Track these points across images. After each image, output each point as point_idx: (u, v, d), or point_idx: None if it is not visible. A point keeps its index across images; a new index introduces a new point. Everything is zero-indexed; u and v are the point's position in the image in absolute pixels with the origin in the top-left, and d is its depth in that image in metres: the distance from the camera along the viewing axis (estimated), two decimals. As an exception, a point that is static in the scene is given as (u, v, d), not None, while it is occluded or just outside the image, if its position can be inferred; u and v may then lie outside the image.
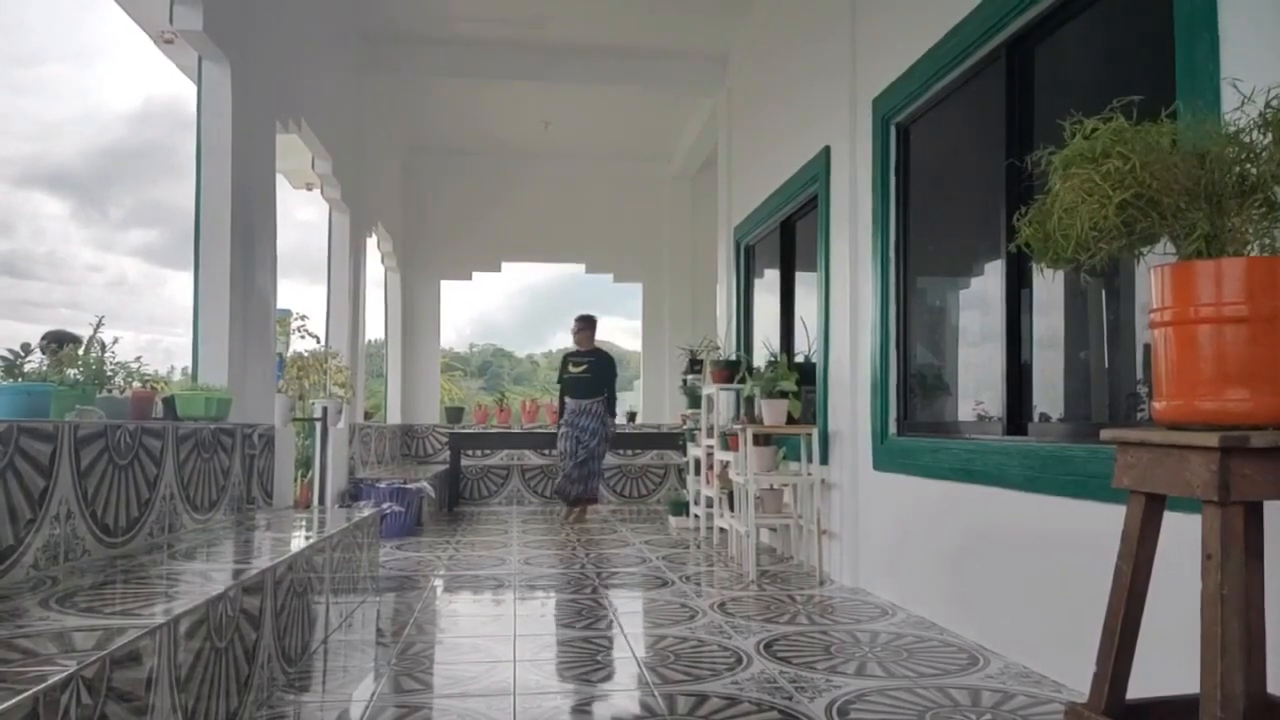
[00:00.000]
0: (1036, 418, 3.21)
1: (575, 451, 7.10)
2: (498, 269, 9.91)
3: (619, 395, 7.77)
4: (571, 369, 7.34)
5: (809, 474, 4.80)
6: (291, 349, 5.70)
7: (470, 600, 4.16)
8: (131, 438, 2.85)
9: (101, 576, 2.35)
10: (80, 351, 2.84)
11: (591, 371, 7.30)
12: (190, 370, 3.90)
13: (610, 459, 8.72)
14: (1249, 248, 1.61)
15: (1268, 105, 1.58)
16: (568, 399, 7.32)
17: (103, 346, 2.98)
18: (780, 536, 5.51)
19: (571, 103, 8.14)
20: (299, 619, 2.89)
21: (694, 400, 6.82)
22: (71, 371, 2.80)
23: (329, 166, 5.90)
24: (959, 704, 2.55)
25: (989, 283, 3.55)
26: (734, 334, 6.90)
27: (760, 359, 6.20)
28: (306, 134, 5.30)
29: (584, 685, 2.74)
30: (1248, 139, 1.59)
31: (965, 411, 3.75)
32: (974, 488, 3.31)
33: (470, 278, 9.85)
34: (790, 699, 2.58)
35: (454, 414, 9.23)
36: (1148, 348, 2.13)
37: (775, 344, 6.06)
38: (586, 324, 7.44)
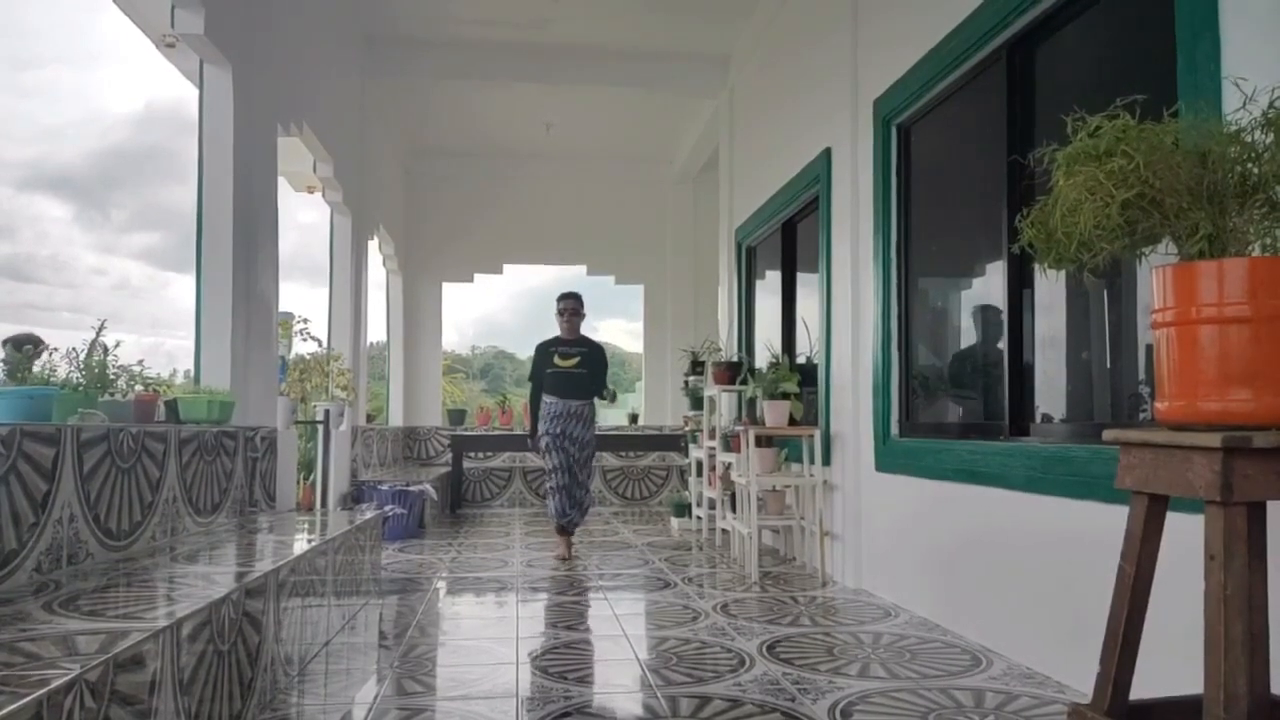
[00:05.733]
0: (1039, 418, 3.21)
1: (568, 466, 5.58)
2: (499, 271, 9.92)
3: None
4: (559, 361, 5.64)
5: (811, 475, 4.80)
6: (294, 351, 5.70)
7: (473, 602, 4.16)
8: (134, 441, 2.85)
9: (104, 580, 2.35)
10: (46, 354, 2.82)
11: (585, 365, 5.67)
12: (192, 373, 3.90)
13: (612, 460, 8.70)
14: (1251, 248, 1.60)
15: (1270, 105, 1.58)
16: (551, 398, 5.62)
17: (105, 350, 2.98)
18: (782, 538, 5.50)
19: (573, 104, 8.14)
20: (302, 622, 2.89)
21: (696, 402, 6.82)
22: (75, 373, 2.80)
23: (331, 169, 5.90)
24: (962, 705, 2.55)
25: (991, 283, 3.55)
26: (735, 335, 6.90)
27: (762, 360, 6.20)
28: (308, 137, 5.31)
29: (587, 687, 2.74)
30: (1249, 139, 1.58)
31: (967, 412, 3.75)
32: (976, 489, 3.31)
33: (472, 280, 9.86)
34: (793, 701, 2.58)
35: (456, 416, 9.23)
36: (1150, 348, 2.12)
37: (777, 345, 6.06)
38: (579, 306, 5.78)
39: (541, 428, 5.61)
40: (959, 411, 3.86)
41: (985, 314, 3.64)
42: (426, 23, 6.62)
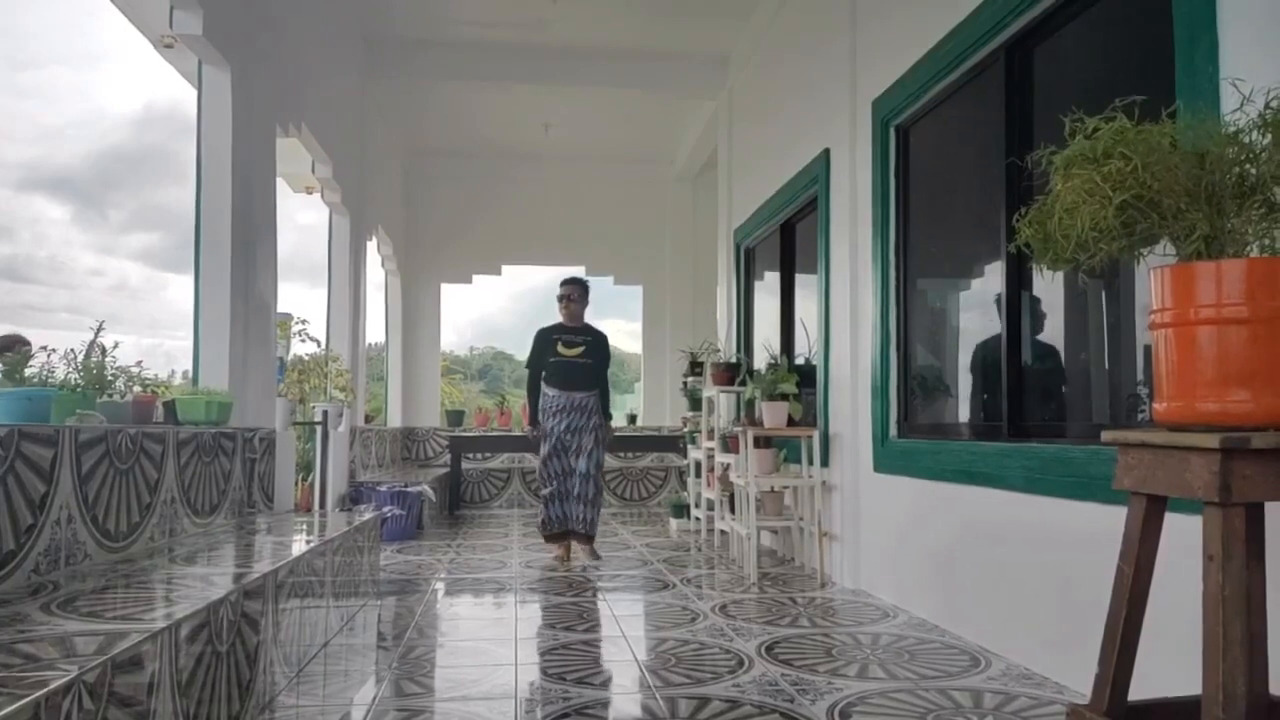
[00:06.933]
0: (1037, 419, 3.20)
1: (569, 465, 5.31)
2: (498, 272, 9.91)
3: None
4: (562, 350, 5.29)
5: (810, 476, 4.80)
6: (292, 352, 5.70)
7: (471, 603, 4.16)
8: (132, 442, 2.85)
9: (103, 581, 2.35)
10: (45, 355, 2.81)
11: (590, 354, 5.34)
12: (191, 374, 3.90)
13: (611, 460, 8.66)
14: (1249, 249, 1.61)
15: (1267, 106, 1.58)
16: (552, 390, 5.30)
17: (103, 351, 2.98)
18: (781, 539, 5.50)
19: (572, 105, 8.14)
20: (300, 623, 2.88)
21: (695, 403, 6.82)
22: (73, 374, 2.80)
23: (329, 170, 5.90)
24: (961, 706, 2.55)
25: (989, 284, 3.55)
26: (734, 336, 6.90)
27: (761, 361, 6.20)
28: (307, 138, 5.31)
29: (586, 688, 2.74)
30: (1247, 139, 1.59)
31: (965, 413, 3.75)
32: (975, 489, 3.31)
33: (470, 281, 9.86)
34: (792, 701, 2.58)
35: (454, 417, 9.23)
36: (1148, 349, 2.13)
37: (775, 346, 6.06)
38: (582, 291, 5.47)
39: (543, 424, 5.30)
40: (957, 412, 3.86)
41: (983, 314, 3.64)
42: (426, 23, 6.62)
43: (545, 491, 5.35)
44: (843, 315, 4.64)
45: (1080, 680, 2.57)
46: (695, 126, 8.44)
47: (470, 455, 8.60)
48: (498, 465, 8.67)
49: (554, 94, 7.76)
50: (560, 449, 5.31)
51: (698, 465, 6.62)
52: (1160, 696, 1.77)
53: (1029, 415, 3.22)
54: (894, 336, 4.21)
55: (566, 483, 5.31)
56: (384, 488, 6.10)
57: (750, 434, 4.87)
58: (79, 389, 2.80)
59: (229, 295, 3.91)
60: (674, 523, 6.91)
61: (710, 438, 5.96)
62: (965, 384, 3.81)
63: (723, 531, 5.71)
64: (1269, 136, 1.56)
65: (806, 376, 5.05)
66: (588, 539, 5.30)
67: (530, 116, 8.37)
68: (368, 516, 4.22)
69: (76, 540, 2.51)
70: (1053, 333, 3.21)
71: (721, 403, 6.19)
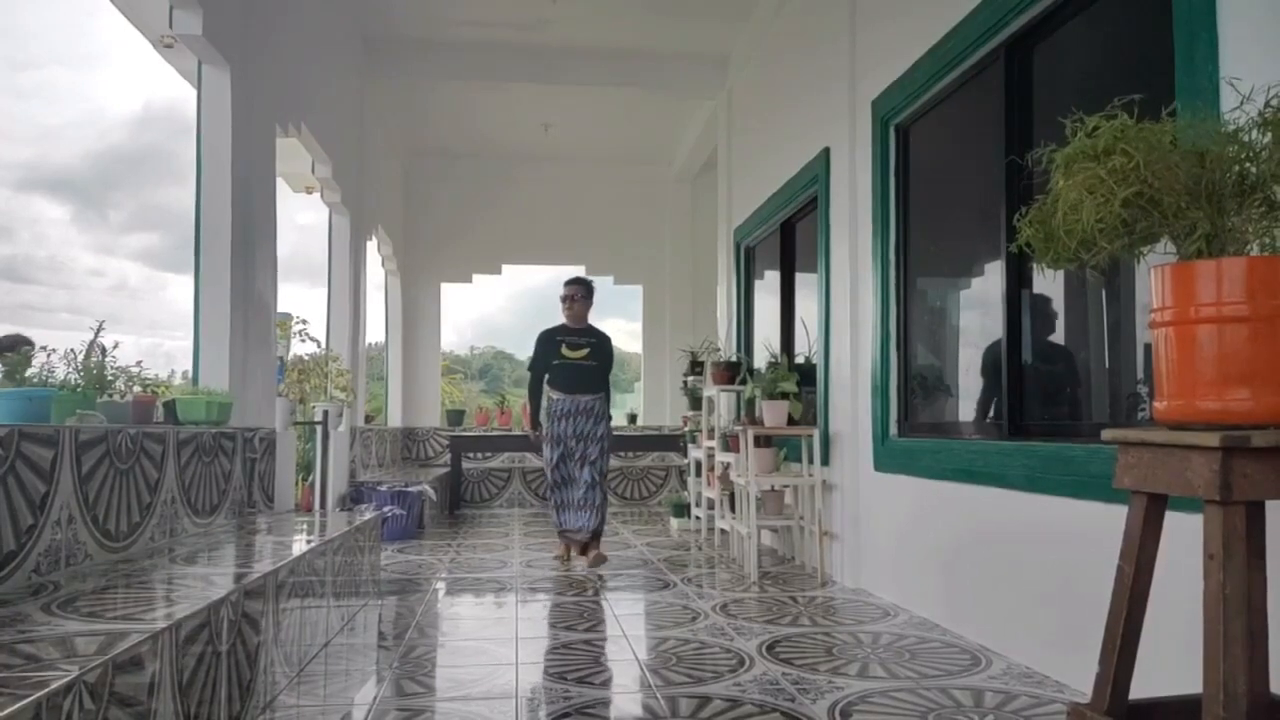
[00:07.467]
0: (1037, 418, 3.20)
1: (574, 474, 5.19)
2: (498, 271, 9.92)
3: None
4: (566, 352, 5.16)
5: (810, 475, 4.80)
6: (292, 352, 5.70)
7: (472, 603, 4.16)
8: (132, 442, 2.85)
9: (103, 581, 2.35)
10: (44, 355, 2.81)
11: (595, 356, 5.22)
12: (191, 374, 3.90)
13: (611, 460, 8.57)
14: (1249, 247, 1.60)
15: (1266, 104, 1.58)
16: (556, 394, 5.18)
17: (103, 351, 2.98)
18: (782, 538, 5.50)
19: (572, 105, 8.14)
20: (301, 623, 2.88)
21: (695, 402, 6.82)
22: (73, 375, 2.80)
23: (329, 170, 5.90)
24: (961, 705, 2.55)
25: (989, 283, 3.55)
26: (734, 335, 6.90)
27: (761, 360, 6.20)
28: (306, 138, 5.31)
29: (586, 688, 2.74)
30: (1247, 138, 1.59)
31: (966, 412, 3.75)
32: (975, 488, 3.31)
33: (470, 280, 9.86)
34: (793, 701, 2.58)
35: (455, 417, 9.23)
36: (1148, 348, 2.12)
37: (776, 345, 6.06)
38: (587, 291, 5.33)
39: (547, 429, 5.19)
40: (957, 411, 3.86)
41: (983, 313, 3.64)
42: (426, 24, 6.62)
43: (553, 502, 5.28)
44: (843, 314, 4.64)
45: (1081, 679, 2.57)
46: (695, 126, 8.44)
47: (470, 455, 8.60)
48: (498, 465, 8.67)
49: (554, 94, 7.76)
50: (566, 455, 5.19)
51: (698, 464, 6.62)
52: (1161, 695, 1.77)
53: (1029, 414, 3.22)
54: (894, 335, 4.21)
55: (571, 491, 5.21)
56: (384, 487, 6.10)
57: (750, 433, 4.87)
58: (79, 389, 2.80)
59: (229, 295, 3.91)
60: (674, 522, 6.91)
61: (710, 437, 5.96)
62: (965, 383, 3.81)
63: (723, 531, 5.71)
64: (1269, 135, 1.56)
65: (807, 375, 5.05)
66: (593, 544, 5.20)
67: (530, 116, 8.37)
68: (368, 516, 4.22)
69: (77, 540, 2.51)
70: (1053, 332, 3.21)
71: (722, 402, 6.19)
